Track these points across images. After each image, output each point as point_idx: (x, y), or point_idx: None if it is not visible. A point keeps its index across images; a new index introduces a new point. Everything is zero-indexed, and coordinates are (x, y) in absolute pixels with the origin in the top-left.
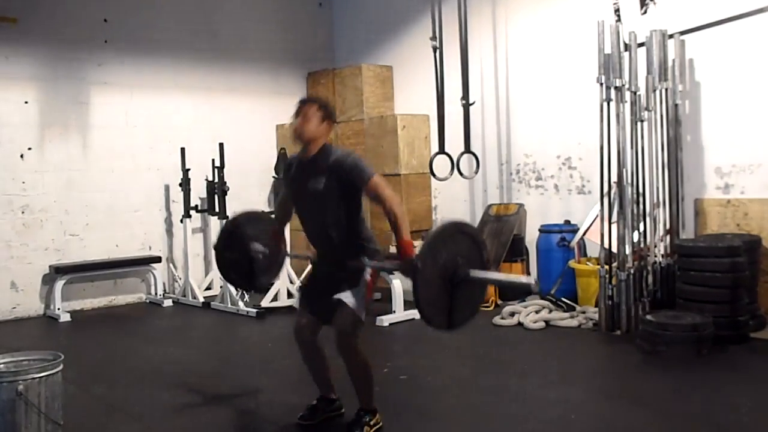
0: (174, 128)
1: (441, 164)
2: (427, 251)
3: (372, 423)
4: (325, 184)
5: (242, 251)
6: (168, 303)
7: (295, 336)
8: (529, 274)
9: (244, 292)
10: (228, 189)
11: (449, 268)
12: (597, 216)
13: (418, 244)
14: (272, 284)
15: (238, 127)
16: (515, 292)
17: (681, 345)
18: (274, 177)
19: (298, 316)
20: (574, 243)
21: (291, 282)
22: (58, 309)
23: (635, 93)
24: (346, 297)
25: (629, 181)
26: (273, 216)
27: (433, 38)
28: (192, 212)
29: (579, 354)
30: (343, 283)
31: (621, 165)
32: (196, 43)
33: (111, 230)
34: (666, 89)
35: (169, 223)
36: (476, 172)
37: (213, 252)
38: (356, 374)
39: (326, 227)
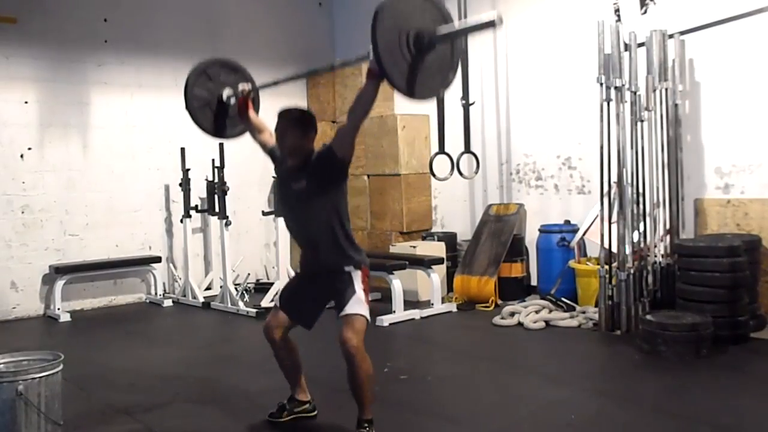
0: (174, 128)
1: (441, 164)
2: (387, 5)
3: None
4: (307, 181)
5: (212, 92)
6: (168, 303)
7: (266, 334)
8: (528, 273)
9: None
10: (228, 189)
11: (408, 28)
12: (597, 216)
13: (417, 243)
14: (238, 135)
15: None
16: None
17: (681, 345)
18: (274, 177)
19: (272, 316)
20: (574, 243)
21: None
22: (58, 309)
23: (635, 93)
24: (350, 306)
25: (629, 181)
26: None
27: None
28: (192, 212)
29: (579, 354)
30: (336, 294)
31: (621, 165)
32: (196, 43)
33: (111, 230)
34: (666, 89)
35: (169, 223)
36: (476, 172)
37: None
38: (359, 381)
39: (312, 227)
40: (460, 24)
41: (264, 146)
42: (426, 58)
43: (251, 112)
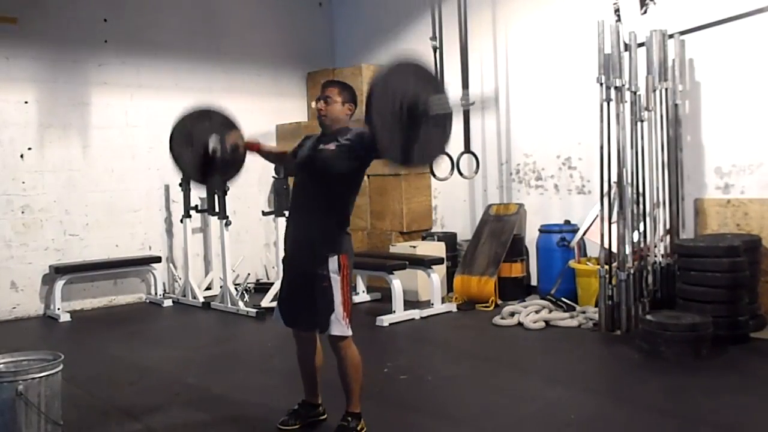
0: None
1: (441, 164)
2: (380, 79)
3: (359, 429)
4: (336, 146)
5: (197, 142)
6: (168, 303)
7: (294, 334)
8: (528, 273)
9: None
10: (228, 189)
11: (405, 98)
12: (597, 216)
13: (417, 243)
14: (228, 181)
15: None
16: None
17: (681, 345)
18: (273, 177)
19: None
20: (574, 243)
21: None
22: (58, 309)
23: (635, 93)
24: (332, 328)
25: (629, 181)
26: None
27: (433, 38)
28: (192, 212)
29: (579, 354)
30: (318, 297)
31: (621, 165)
32: (196, 43)
33: (111, 230)
34: (666, 89)
35: (169, 223)
36: (476, 172)
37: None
38: (347, 372)
39: (319, 193)
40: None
41: (292, 158)
42: (419, 132)
43: (263, 148)
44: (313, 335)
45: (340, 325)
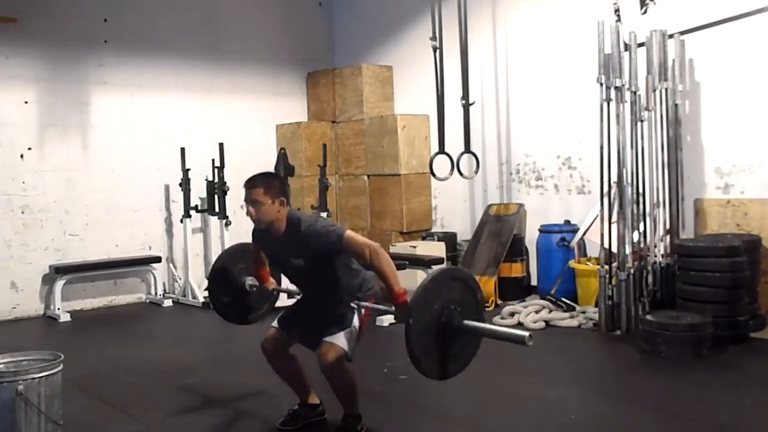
0: (174, 128)
1: (441, 164)
2: (421, 298)
3: (358, 429)
4: (306, 260)
5: (234, 285)
6: (168, 303)
7: (262, 349)
8: (528, 273)
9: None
10: (228, 189)
11: (443, 317)
12: (597, 216)
13: (417, 243)
14: (267, 316)
15: (238, 127)
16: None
17: (681, 345)
18: None
19: (268, 334)
20: (574, 243)
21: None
22: (58, 309)
23: (635, 93)
24: (337, 339)
25: (629, 181)
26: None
27: (433, 38)
28: (192, 212)
29: (579, 354)
30: (333, 324)
31: (621, 165)
32: (196, 43)
33: (111, 230)
34: (666, 89)
35: (169, 223)
36: (476, 172)
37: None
38: (340, 389)
39: (316, 291)
40: (491, 327)
41: (262, 255)
42: (451, 342)
43: (267, 276)
44: (286, 350)
45: (347, 343)
